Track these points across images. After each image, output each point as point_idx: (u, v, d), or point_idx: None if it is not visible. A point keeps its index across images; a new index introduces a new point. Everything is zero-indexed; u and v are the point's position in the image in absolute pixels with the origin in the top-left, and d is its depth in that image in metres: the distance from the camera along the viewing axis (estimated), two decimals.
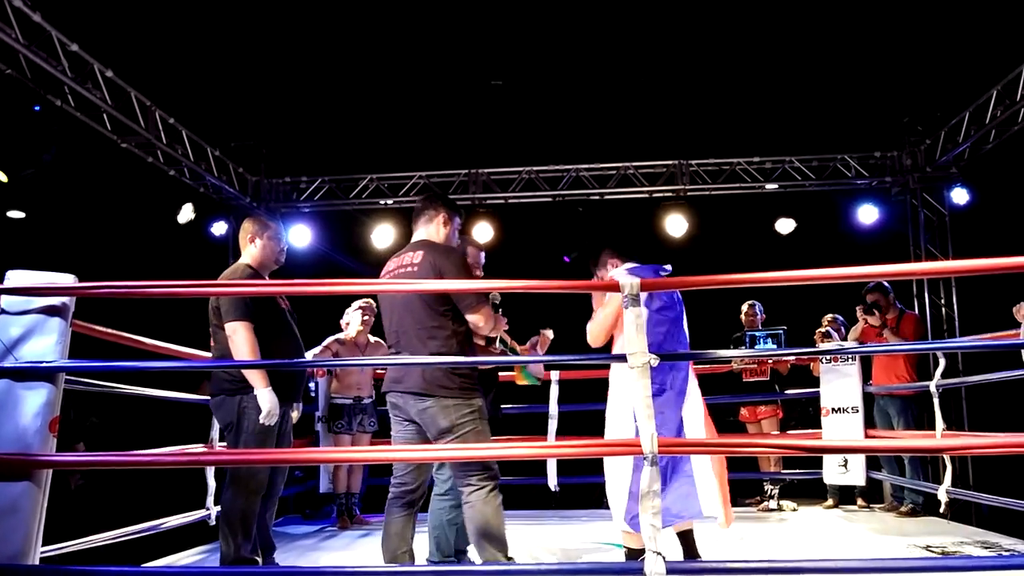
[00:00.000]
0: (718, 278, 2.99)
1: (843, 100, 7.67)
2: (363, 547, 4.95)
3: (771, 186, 7.88)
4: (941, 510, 4.79)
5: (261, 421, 3.49)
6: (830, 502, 6.42)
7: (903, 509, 5.90)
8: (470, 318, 3.17)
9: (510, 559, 3.14)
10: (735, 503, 6.38)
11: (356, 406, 5.86)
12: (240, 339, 3.45)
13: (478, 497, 3.10)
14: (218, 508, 4.71)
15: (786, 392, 6.59)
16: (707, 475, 3.35)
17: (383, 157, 8.07)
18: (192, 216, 7.10)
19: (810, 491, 6.54)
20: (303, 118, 7.91)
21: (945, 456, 4.53)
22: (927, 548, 4.40)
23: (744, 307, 6.65)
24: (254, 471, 3.53)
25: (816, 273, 2.97)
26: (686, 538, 3.49)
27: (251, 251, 3.81)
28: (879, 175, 7.89)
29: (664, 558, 2.68)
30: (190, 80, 7.12)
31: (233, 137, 7.82)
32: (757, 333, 6.43)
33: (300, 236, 8.10)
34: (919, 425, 5.94)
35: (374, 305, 6.07)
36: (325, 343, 5.97)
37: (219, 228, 7.80)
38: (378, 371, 6.08)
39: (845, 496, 6.43)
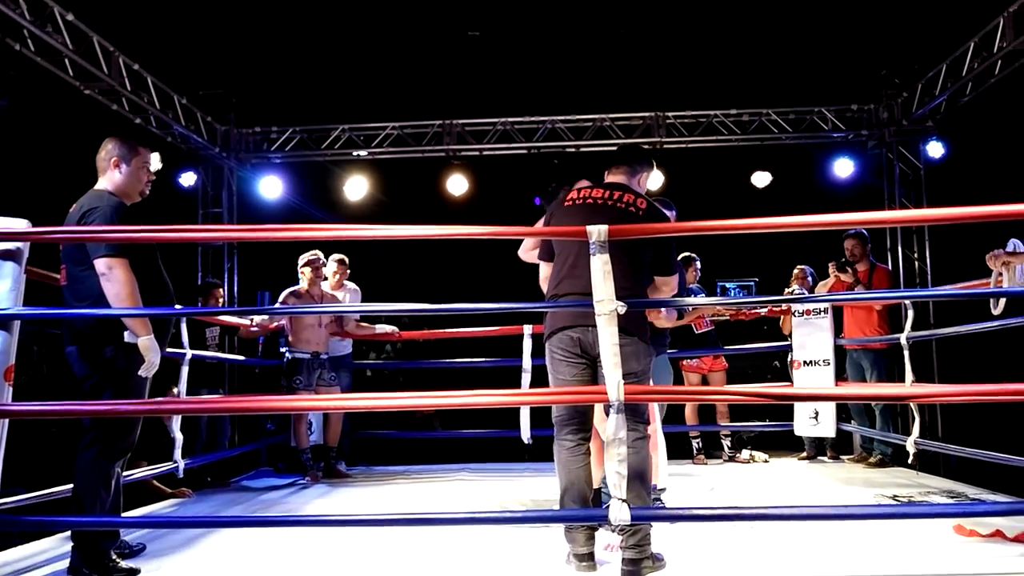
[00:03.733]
0: (688, 225, 2.95)
1: (821, 52, 7.59)
2: (324, 502, 4.92)
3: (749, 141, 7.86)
4: (909, 461, 4.85)
5: (141, 374, 3.11)
6: (805, 454, 6.51)
7: (872, 460, 5.99)
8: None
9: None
10: (708, 456, 6.50)
11: (314, 361, 5.81)
12: (118, 278, 3.00)
13: (647, 444, 2.98)
14: (186, 460, 4.72)
15: (754, 346, 6.65)
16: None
17: (356, 107, 7.91)
18: (159, 166, 6.92)
19: (787, 443, 6.62)
20: (274, 66, 7.73)
21: (912, 406, 4.57)
22: (893, 497, 4.46)
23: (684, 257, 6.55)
24: (128, 429, 3.10)
25: (787, 221, 2.93)
26: None
27: (113, 177, 3.29)
28: (855, 128, 7.86)
29: (629, 505, 2.69)
30: (156, 26, 6.91)
31: (201, 85, 7.63)
32: (729, 284, 6.43)
33: (271, 187, 7.96)
34: (891, 378, 5.99)
35: (322, 257, 6.00)
36: (282, 297, 5.93)
37: (187, 179, 7.66)
38: (334, 330, 6.03)
39: (821, 448, 6.52)
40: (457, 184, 8.00)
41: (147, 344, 3.09)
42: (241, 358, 6.08)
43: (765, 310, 6.57)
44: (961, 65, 6.55)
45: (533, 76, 7.64)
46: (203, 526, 3.60)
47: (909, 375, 4.64)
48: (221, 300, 6.36)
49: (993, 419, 5.58)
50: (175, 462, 4.54)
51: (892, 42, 7.29)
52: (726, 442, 6.54)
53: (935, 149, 7.30)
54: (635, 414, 2.97)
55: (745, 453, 6.48)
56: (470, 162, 7.99)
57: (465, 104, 7.82)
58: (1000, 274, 3.51)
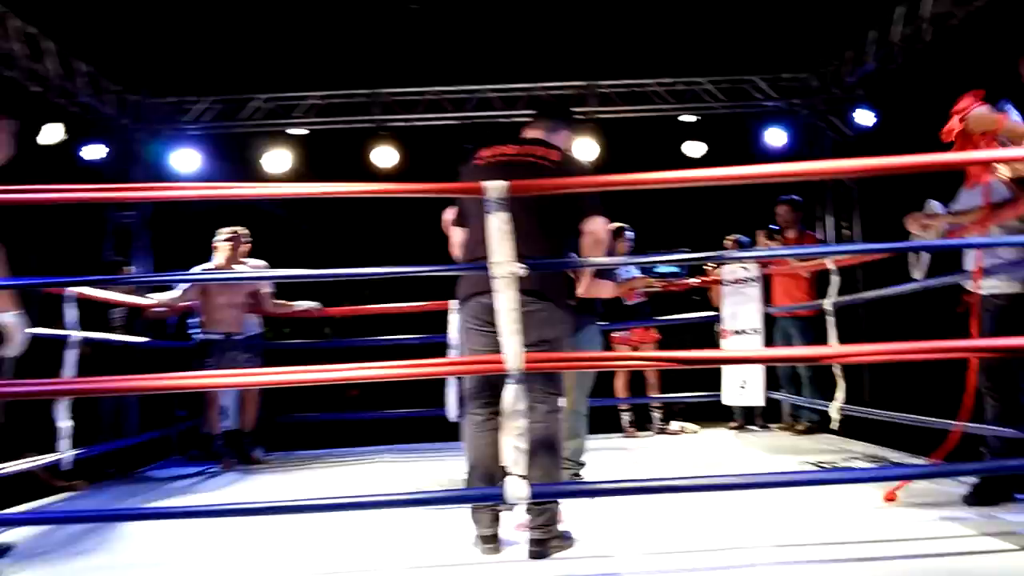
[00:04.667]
0: (602, 179, 2.78)
1: (754, 20, 7.47)
2: (231, 491, 4.68)
3: (687, 118, 7.72)
4: (832, 426, 4.80)
5: (5, 353, 2.92)
6: (734, 423, 6.46)
7: (800, 427, 5.97)
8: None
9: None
10: (639, 428, 6.41)
11: (226, 342, 5.54)
12: None
13: (559, 416, 2.83)
14: (81, 450, 4.38)
15: (684, 316, 6.58)
16: None
17: (276, 76, 7.55)
18: (63, 137, 6.54)
19: (718, 414, 6.56)
20: (188, 32, 7.30)
21: (836, 371, 4.49)
22: (817, 464, 4.40)
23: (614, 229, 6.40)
24: None
25: (708, 174, 2.83)
26: None
27: None
28: (788, 97, 7.78)
29: (529, 481, 2.52)
30: None
31: (110, 53, 7.19)
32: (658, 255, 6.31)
33: (188, 161, 7.60)
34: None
35: (241, 233, 5.73)
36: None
37: (95, 151, 7.22)
38: (250, 309, 5.78)
39: (750, 417, 6.48)
40: (385, 156, 7.73)
41: (12, 321, 2.85)
42: (140, 339, 5.69)
43: (697, 281, 6.49)
44: (889, 31, 6.49)
45: (463, 44, 7.35)
46: (72, 521, 3.32)
47: (833, 339, 4.57)
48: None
49: (918, 382, 5.57)
50: (60, 452, 4.23)
51: (823, 8, 7.19)
52: (656, 414, 6.47)
53: (865, 117, 7.24)
54: (549, 384, 2.81)
55: (675, 424, 6.42)
56: (398, 133, 7.72)
57: (392, 73, 7.52)
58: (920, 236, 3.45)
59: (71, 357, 4.28)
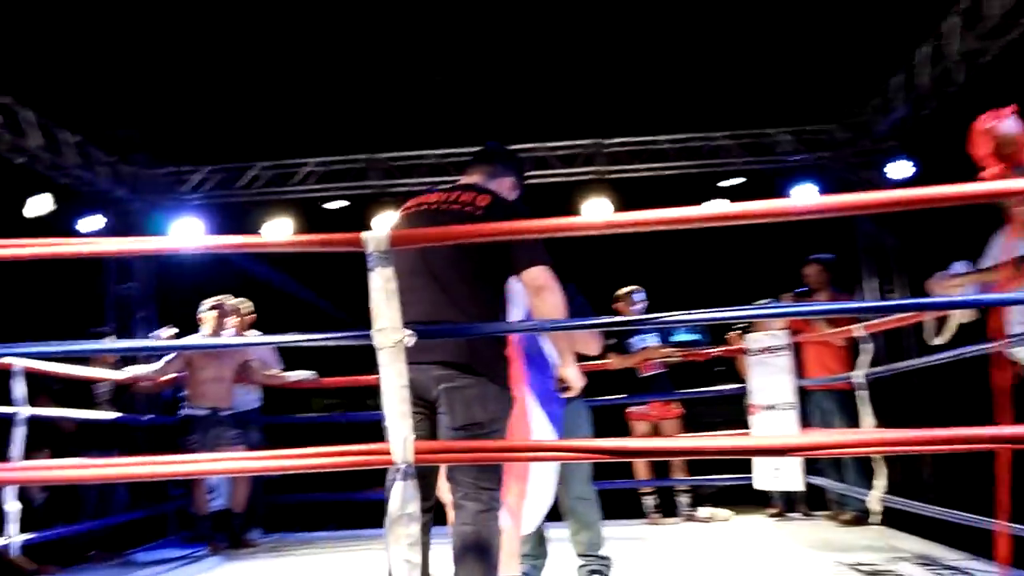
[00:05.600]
0: (534, 225, 2.30)
1: (774, 70, 7.05)
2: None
3: (731, 181, 7.27)
4: (870, 519, 4.16)
5: None
6: (773, 510, 5.79)
7: (845, 517, 5.27)
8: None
9: None
10: (665, 514, 5.77)
11: (211, 418, 5.14)
12: None
13: (492, 518, 2.32)
14: (25, 537, 3.97)
15: (707, 389, 6.00)
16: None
17: (274, 144, 7.30)
18: (51, 208, 6.30)
19: (755, 498, 5.87)
20: (183, 103, 7.13)
21: (878, 456, 3.89)
22: (855, 566, 3.75)
23: (622, 294, 5.87)
24: None
25: (699, 213, 2.31)
26: None
27: None
28: (814, 150, 7.29)
29: None
30: (50, 66, 6.32)
31: (106, 124, 7.03)
32: None
33: (190, 231, 7.31)
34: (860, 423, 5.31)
35: (227, 304, 5.40)
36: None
37: (91, 223, 6.97)
38: (240, 379, 5.41)
39: (792, 503, 5.80)
40: (389, 221, 7.37)
41: None
42: (108, 415, 5.29)
43: (719, 350, 5.92)
44: (919, 74, 6.00)
45: (463, 104, 7.06)
46: None
47: (867, 418, 3.97)
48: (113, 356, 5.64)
49: (984, 465, 4.91)
50: (8, 537, 3.80)
51: (847, 55, 6.75)
52: (683, 499, 5.82)
53: (901, 168, 6.71)
54: (482, 477, 2.31)
55: (704, 511, 5.76)
56: (401, 198, 7.36)
57: (390, 136, 7.22)
58: None
59: (18, 435, 3.94)
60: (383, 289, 2.02)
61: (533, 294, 2.43)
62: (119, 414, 5.30)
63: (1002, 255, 2.97)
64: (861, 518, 5.11)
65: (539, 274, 2.43)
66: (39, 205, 6.22)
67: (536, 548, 3.40)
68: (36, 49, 6.12)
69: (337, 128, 7.26)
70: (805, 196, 7.28)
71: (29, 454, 4.87)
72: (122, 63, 6.52)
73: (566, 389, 2.64)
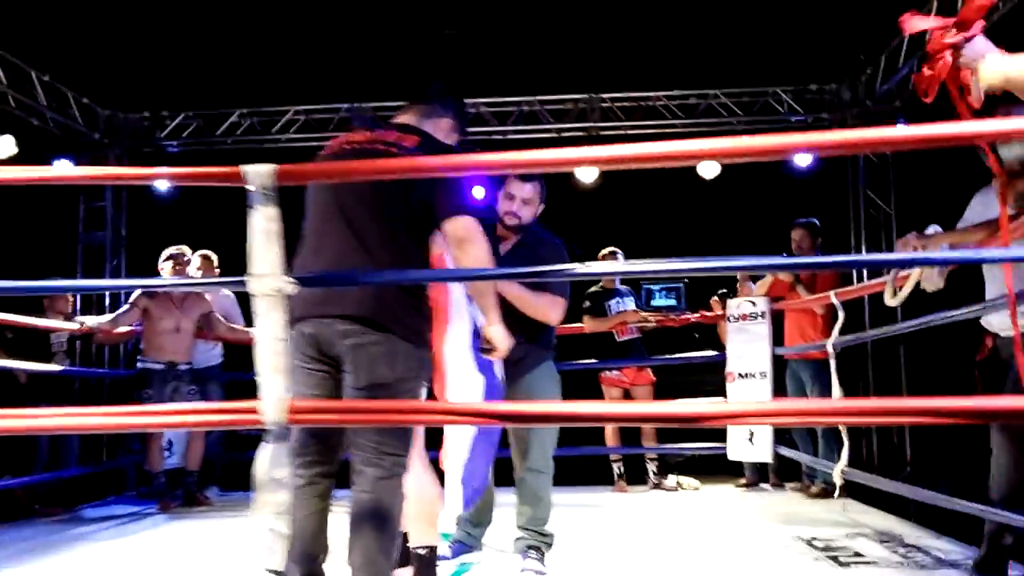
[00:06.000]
0: (444, 161, 2.09)
1: (775, 26, 6.70)
2: (139, 537, 4.12)
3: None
4: (836, 495, 3.97)
5: None
6: (745, 480, 5.62)
7: (813, 489, 5.09)
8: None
9: None
10: (630, 481, 5.62)
11: (168, 372, 5.02)
12: None
13: (393, 486, 2.12)
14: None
15: (683, 356, 5.80)
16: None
17: (256, 89, 7.07)
18: (13, 151, 6.13)
19: (727, 467, 5.69)
20: (163, 45, 6.89)
21: (841, 428, 3.68)
22: (810, 541, 3.56)
23: (604, 254, 5.65)
24: None
25: (658, 150, 1.97)
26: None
27: None
28: (815, 111, 6.96)
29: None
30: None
31: (79, 65, 6.78)
32: (653, 287, 5.56)
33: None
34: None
35: (187, 254, 5.25)
36: (132, 298, 5.16)
37: (64, 167, 6.82)
38: (200, 334, 5.28)
39: (764, 474, 5.63)
40: None
41: None
42: (55, 368, 5.18)
43: (697, 316, 5.71)
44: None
45: (449, 54, 6.77)
46: None
47: (836, 388, 3.76)
48: (70, 302, 5.52)
49: (949, 436, 4.70)
50: None
51: (852, 13, 6.39)
52: (651, 467, 5.66)
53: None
54: (384, 441, 2.12)
55: (672, 479, 5.60)
56: None
57: (378, 85, 6.96)
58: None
59: None
60: (263, 231, 1.80)
61: (454, 246, 2.22)
62: (72, 367, 5.21)
63: (979, 216, 2.73)
64: (829, 491, 4.93)
65: (462, 224, 2.20)
66: (1, 146, 6.05)
67: (478, 514, 3.23)
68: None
69: (321, 75, 7.00)
70: (799, 149, 7.00)
71: None
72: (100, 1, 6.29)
73: (490, 350, 2.41)
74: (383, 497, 2.08)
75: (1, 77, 5.90)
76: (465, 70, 6.76)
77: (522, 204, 3.09)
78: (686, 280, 5.57)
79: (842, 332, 4.07)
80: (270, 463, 1.76)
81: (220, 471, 5.92)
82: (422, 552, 2.58)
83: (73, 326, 5.11)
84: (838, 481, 3.73)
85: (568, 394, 5.62)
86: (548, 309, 3.06)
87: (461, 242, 2.20)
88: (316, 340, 2.18)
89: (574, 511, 4.65)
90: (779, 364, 5.23)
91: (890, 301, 2.73)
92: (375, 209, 2.20)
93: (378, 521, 2.05)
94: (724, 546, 3.62)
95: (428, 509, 2.58)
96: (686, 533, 3.97)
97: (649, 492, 5.52)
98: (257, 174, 1.79)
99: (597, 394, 5.69)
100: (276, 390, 1.77)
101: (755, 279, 5.52)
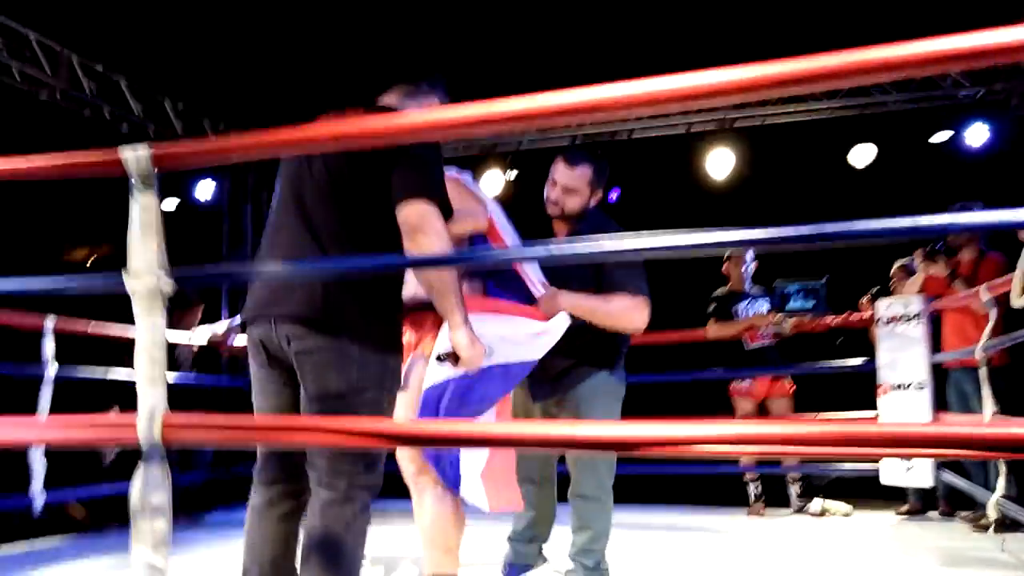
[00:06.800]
0: (415, 119, 1.76)
1: None
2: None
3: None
4: (991, 530, 3.29)
5: None
6: (907, 507, 4.91)
7: (984, 521, 4.31)
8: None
9: None
10: (769, 504, 5.05)
11: None
12: None
13: (346, 512, 1.85)
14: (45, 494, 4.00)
15: (825, 364, 5.16)
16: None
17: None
18: None
19: (886, 491, 4.97)
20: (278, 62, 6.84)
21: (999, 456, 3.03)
22: None
23: (730, 254, 5.15)
24: None
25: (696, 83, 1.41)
26: None
27: None
28: (989, 83, 6.04)
29: None
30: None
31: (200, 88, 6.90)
32: (788, 288, 4.98)
33: None
34: (1008, 408, 4.31)
35: None
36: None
37: (205, 190, 7.12)
38: None
39: (931, 501, 4.89)
40: (493, 180, 7.02)
41: None
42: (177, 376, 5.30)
43: (839, 319, 5.08)
44: None
45: (563, 42, 6.41)
46: None
47: (988, 404, 3.10)
48: (198, 316, 5.68)
49: None
50: (31, 495, 3.84)
51: None
52: (793, 488, 5.06)
53: None
54: (338, 460, 1.86)
55: (817, 503, 4.97)
56: (507, 157, 6.99)
57: (475, 83, 6.70)
58: None
59: (46, 395, 3.96)
60: (142, 222, 1.60)
61: (405, 237, 1.92)
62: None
63: None
64: (1005, 523, 4.16)
65: (416, 211, 1.90)
66: None
67: (531, 528, 2.91)
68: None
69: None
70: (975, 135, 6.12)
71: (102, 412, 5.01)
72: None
73: (453, 359, 2.06)
74: (332, 524, 1.81)
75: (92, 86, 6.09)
76: (565, 55, 6.33)
77: (564, 192, 2.74)
78: (828, 277, 4.95)
79: (1004, 332, 3.38)
80: (143, 487, 1.53)
81: None
82: None
83: (197, 339, 5.20)
84: (992, 514, 3.08)
85: (695, 408, 5.17)
86: (631, 313, 2.65)
87: (412, 232, 1.90)
88: (264, 345, 1.97)
89: (694, 536, 4.22)
90: (940, 374, 4.52)
91: (1016, 302, 2.20)
92: (330, 198, 1.96)
93: (327, 553, 1.78)
94: None
95: (443, 534, 2.32)
96: (812, 568, 3.43)
97: (790, 517, 4.94)
98: (134, 158, 1.57)
99: (727, 407, 5.18)
100: (150, 402, 1.55)
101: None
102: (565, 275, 2.65)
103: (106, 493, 4.46)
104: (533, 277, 2.60)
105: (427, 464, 2.36)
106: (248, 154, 1.81)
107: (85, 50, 6.00)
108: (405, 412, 2.37)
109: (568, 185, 2.74)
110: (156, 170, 1.62)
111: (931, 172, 6.22)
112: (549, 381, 2.73)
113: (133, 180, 1.59)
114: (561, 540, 2.87)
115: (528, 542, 2.92)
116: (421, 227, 1.89)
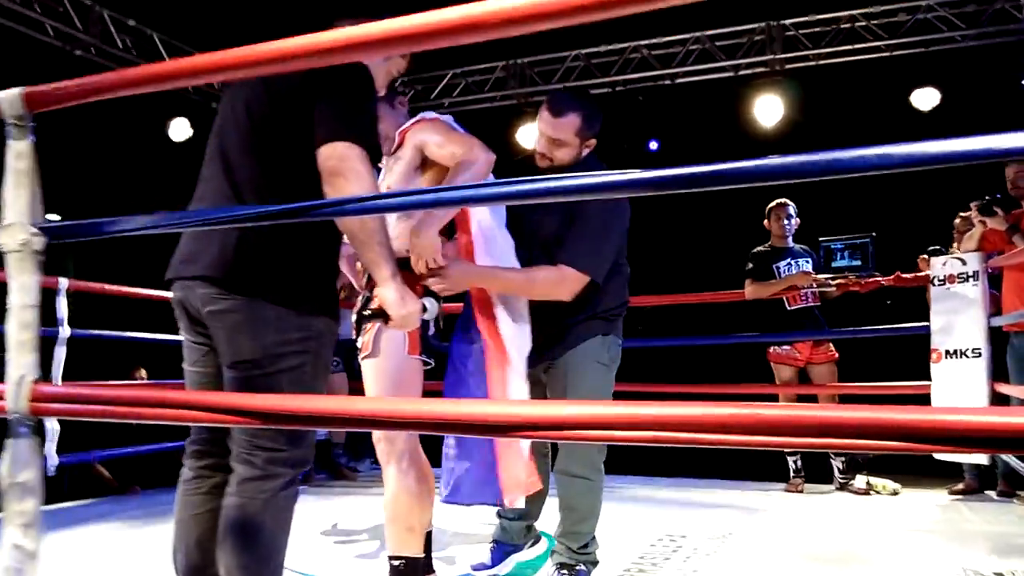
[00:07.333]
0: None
1: None
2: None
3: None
4: None
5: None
6: (962, 485, 4.52)
7: None
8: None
9: None
10: (810, 479, 4.73)
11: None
12: None
13: (265, 489, 1.69)
14: (58, 458, 3.98)
15: (872, 328, 4.75)
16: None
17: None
18: (189, 133, 6.42)
19: (940, 468, 4.58)
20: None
21: None
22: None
23: (772, 207, 4.76)
24: None
25: None
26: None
27: None
28: None
29: None
30: None
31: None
32: (834, 244, 4.58)
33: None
34: None
35: None
36: None
37: (179, 129, 6.89)
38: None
39: (991, 479, 4.48)
40: (531, 133, 6.71)
41: None
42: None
43: (890, 278, 4.65)
44: None
45: None
46: None
47: None
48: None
49: None
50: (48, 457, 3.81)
51: None
52: (836, 462, 4.72)
53: None
54: (259, 434, 1.68)
55: (861, 480, 4.61)
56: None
57: (525, 39, 6.46)
58: None
59: (59, 357, 3.92)
60: (15, 170, 1.42)
61: (324, 182, 1.69)
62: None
63: None
64: None
65: (337, 153, 1.67)
66: (179, 129, 6.35)
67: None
68: None
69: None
70: None
71: (130, 373, 5.01)
72: None
73: (383, 318, 1.83)
74: (248, 503, 1.65)
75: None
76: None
77: (551, 144, 2.46)
78: (873, 235, 4.53)
79: None
80: (11, 463, 1.37)
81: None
82: (396, 564, 2.15)
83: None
84: None
85: (732, 374, 4.84)
86: (554, 288, 2.36)
87: (329, 175, 1.67)
88: (184, 307, 1.80)
89: (725, 513, 3.94)
90: (1000, 339, 4.10)
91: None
92: (252, 145, 1.77)
93: (243, 532, 1.63)
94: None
95: (405, 510, 2.14)
96: (844, 554, 3.13)
97: (831, 495, 4.59)
98: (6, 100, 1.38)
99: (766, 374, 4.85)
100: (19, 370, 1.38)
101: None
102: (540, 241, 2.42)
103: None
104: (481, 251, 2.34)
105: (392, 434, 2.18)
106: (126, 89, 1.59)
107: (116, 4, 5.98)
108: (375, 381, 2.19)
109: (555, 136, 2.46)
110: (30, 111, 1.43)
111: (1001, 115, 5.65)
112: (537, 347, 2.51)
113: (7, 126, 1.42)
114: (553, 518, 2.66)
115: (516, 519, 2.71)
116: (341, 171, 1.66)
